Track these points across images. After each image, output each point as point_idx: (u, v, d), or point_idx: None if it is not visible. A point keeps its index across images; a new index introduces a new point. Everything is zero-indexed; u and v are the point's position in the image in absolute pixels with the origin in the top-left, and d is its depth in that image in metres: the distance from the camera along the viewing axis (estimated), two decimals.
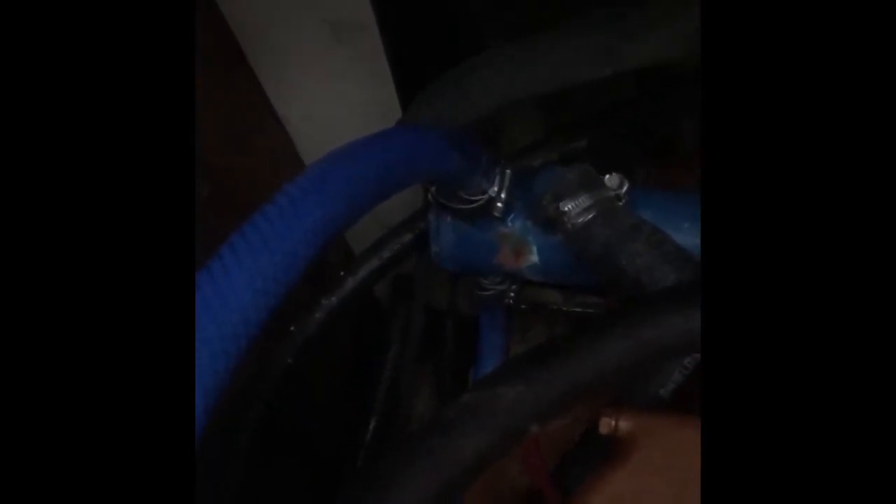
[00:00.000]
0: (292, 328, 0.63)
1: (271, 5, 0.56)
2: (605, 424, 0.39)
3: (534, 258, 0.57)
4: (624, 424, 0.39)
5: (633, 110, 0.65)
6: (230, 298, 0.29)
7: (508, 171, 0.54)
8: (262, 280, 0.30)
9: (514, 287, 0.66)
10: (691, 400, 0.46)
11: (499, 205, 0.54)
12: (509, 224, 0.56)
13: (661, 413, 0.41)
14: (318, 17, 0.57)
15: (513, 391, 0.27)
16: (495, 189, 0.53)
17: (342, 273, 0.64)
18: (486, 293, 0.66)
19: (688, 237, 0.52)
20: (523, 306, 0.78)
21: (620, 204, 0.52)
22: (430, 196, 0.55)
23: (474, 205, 0.53)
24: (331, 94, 0.63)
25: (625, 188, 0.52)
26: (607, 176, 0.53)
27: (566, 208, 0.50)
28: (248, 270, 0.30)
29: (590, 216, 0.50)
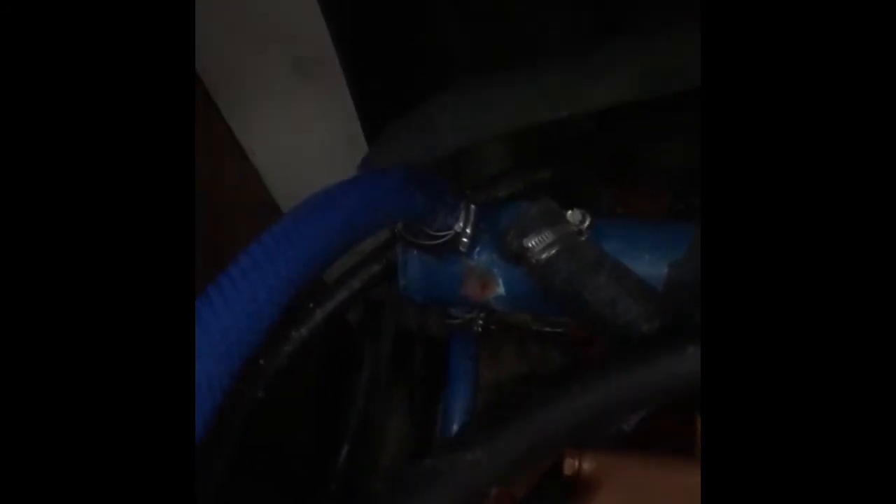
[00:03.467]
0: (261, 361, 0.63)
1: (234, 42, 0.56)
2: (569, 465, 0.40)
3: (500, 290, 0.57)
4: (587, 465, 0.40)
5: (596, 140, 0.66)
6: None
7: (473, 206, 0.55)
8: (225, 345, 0.31)
9: (482, 315, 0.67)
10: (655, 433, 0.47)
11: (464, 240, 0.55)
12: (475, 257, 0.57)
13: (624, 452, 0.42)
14: (280, 53, 0.57)
15: (472, 455, 0.27)
16: (461, 224, 0.54)
17: (311, 305, 0.64)
18: (455, 321, 0.67)
19: (649, 268, 0.53)
20: (493, 327, 0.79)
21: (583, 239, 0.53)
22: (396, 232, 0.56)
23: (440, 240, 0.54)
24: (297, 128, 0.63)
25: (587, 223, 0.53)
26: (570, 211, 0.53)
27: (530, 244, 0.51)
28: (212, 334, 0.31)
29: (553, 251, 0.51)
